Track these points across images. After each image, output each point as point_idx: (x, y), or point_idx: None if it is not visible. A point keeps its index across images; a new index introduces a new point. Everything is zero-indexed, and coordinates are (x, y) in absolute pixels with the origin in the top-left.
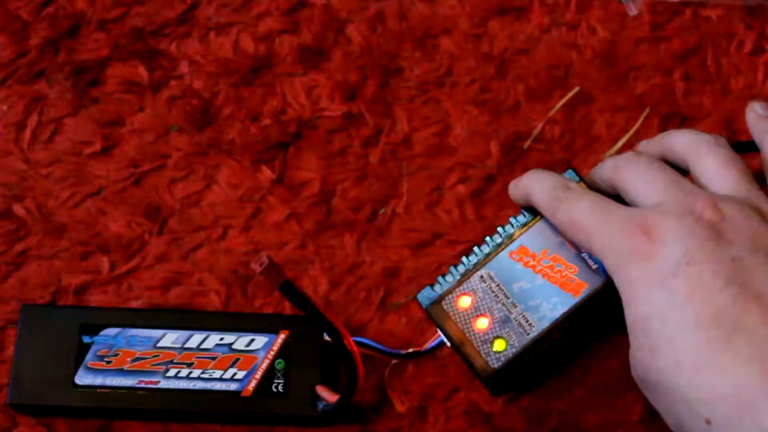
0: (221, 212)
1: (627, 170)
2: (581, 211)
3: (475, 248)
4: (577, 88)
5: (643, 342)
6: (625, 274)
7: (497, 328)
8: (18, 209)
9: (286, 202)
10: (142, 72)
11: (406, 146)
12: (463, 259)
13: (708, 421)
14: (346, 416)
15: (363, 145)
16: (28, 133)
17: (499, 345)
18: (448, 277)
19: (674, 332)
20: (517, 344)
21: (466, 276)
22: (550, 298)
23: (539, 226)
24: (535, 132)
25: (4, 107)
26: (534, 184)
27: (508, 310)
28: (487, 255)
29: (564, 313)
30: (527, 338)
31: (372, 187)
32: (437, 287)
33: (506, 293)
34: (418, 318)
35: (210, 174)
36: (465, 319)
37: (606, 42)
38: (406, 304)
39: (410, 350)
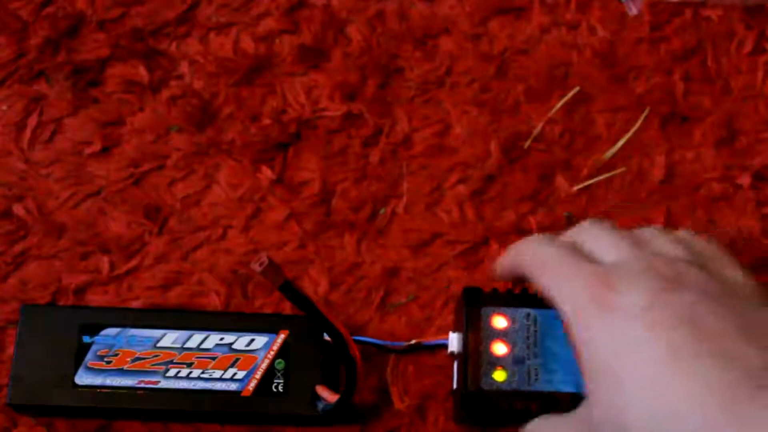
0: (221, 212)
1: (588, 233)
2: (551, 256)
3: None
4: (577, 88)
5: (603, 383)
6: (584, 323)
7: (508, 361)
8: (18, 209)
9: (286, 202)
10: (142, 72)
11: (406, 146)
12: (526, 290)
13: None
14: (346, 416)
15: (363, 145)
16: (28, 133)
17: (499, 375)
18: (503, 295)
19: (626, 357)
20: (514, 385)
21: (517, 303)
22: (567, 372)
23: None
24: (535, 132)
25: (4, 107)
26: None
27: (528, 355)
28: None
29: (569, 392)
30: (526, 387)
31: (372, 187)
32: (487, 294)
33: (536, 342)
34: (418, 318)
35: (210, 174)
36: (488, 335)
37: (606, 42)
38: (406, 304)
39: (412, 342)
